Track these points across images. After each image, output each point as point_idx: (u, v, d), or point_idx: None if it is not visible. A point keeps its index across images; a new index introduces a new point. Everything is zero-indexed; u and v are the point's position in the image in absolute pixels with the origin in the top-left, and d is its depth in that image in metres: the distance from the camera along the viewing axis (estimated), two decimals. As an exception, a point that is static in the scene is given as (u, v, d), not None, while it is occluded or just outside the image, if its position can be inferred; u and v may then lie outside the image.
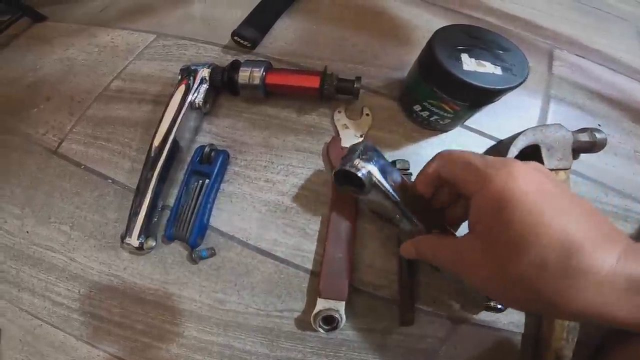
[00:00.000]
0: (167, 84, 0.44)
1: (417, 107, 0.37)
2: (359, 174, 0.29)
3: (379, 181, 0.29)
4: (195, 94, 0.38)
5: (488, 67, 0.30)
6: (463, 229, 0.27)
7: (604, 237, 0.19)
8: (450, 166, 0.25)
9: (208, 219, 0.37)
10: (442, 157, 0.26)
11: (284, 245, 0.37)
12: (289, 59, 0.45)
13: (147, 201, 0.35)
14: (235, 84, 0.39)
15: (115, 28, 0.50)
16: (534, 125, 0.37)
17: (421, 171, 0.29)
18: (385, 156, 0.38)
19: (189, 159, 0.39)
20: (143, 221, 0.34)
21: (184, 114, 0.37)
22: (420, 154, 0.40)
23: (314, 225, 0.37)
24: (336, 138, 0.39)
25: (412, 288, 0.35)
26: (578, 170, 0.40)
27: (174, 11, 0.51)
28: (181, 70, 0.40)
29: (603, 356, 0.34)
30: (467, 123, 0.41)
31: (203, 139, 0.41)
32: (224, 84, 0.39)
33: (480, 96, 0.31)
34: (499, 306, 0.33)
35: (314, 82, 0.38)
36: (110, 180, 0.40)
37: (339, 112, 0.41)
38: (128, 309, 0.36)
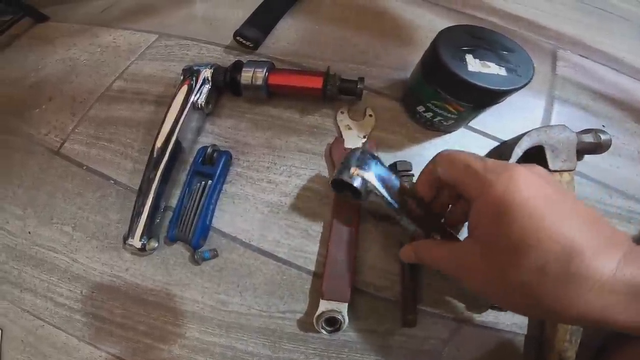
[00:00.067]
0: (169, 85, 0.44)
1: (421, 108, 0.37)
2: (355, 184, 0.30)
3: (376, 189, 0.30)
4: (198, 95, 0.38)
5: (493, 68, 0.30)
6: (465, 231, 0.27)
7: (604, 242, 0.19)
8: (450, 169, 0.25)
9: (210, 220, 0.37)
10: (442, 158, 0.26)
11: (286, 246, 0.37)
12: (291, 59, 0.45)
13: (150, 202, 0.35)
14: (237, 85, 0.39)
15: (117, 28, 0.50)
16: (537, 126, 0.37)
17: (421, 173, 0.29)
18: (388, 157, 0.39)
19: (191, 159, 0.39)
20: (145, 222, 0.34)
21: (186, 114, 0.37)
22: (423, 155, 0.40)
23: (316, 226, 0.37)
24: (339, 139, 0.39)
25: (414, 289, 0.35)
26: (582, 171, 0.40)
27: (176, 11, 0.51)
28: (183, 70, 0.40)
29: (604, 358, 0.34)
30: (470, 124, 0.41)
31: (205, 140, 0.41)
32: (226, 84, 0.39)
33: (484, 97, 0.31)
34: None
35: (316, 83, 0.38)
36: (112, 181, 0.40)
37: (342, 112, 0.40)
38: (130, 310, 0.36)
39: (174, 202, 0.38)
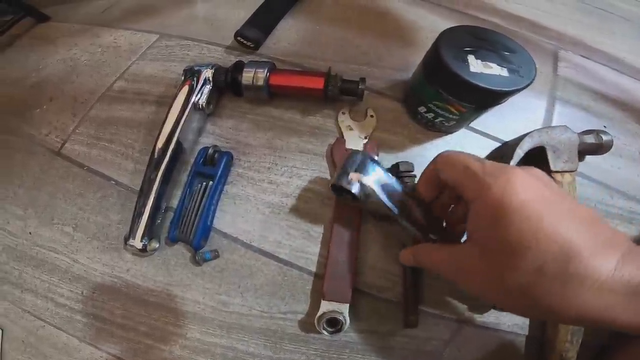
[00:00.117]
0: (170, 85, 0.44)
1: (422, 109, 0.37)
2: (353, 190, 0.30)
3: (375, 194, 0.30)
4: (199, 95, 0.38)
5: (495, 69, 0.30)
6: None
7: (603, 243, 0.19)
8: (450, 170, 0.25)
9: (211, 221, 0.37)
10: (442, 159, 0.26)
11: (287, 247, 0.37)
12: (293, 60, 0.45)
13: (151, 203, 0.35)
14: (238, 85, 0.39)
15: (118, 28, 0.50)
16: (539, 127, 0.37)
17: (422, 173, 0.29)
18: (389, 158, 0.39)
19: (192, 160, 0.39)
20: (146, 223, 0.34)
21: (187, 115, 0.37)
22: (424, 156, 0.40)
23: (317, 227, 0.37)
24: (340, 140, 0.39)
25: (416, 290, 0.35)
26: (583, 172, 0.40)
27: (177, 11, 0.51)
28: (184, 71, 0.40)
29: (608, 357, 0.34)
30: (472, 124, 0.41)
31: (206, 140, 0.41)
32: (227, 84, 0.39)
33: (486, 98, 0.31)
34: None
35: (318, 84, 0.38)
36: (113, 182, 0.40)
37: (343, 113, 0.40)
38: (131, 310, 0.36)
39: (175, 202, 0.38)
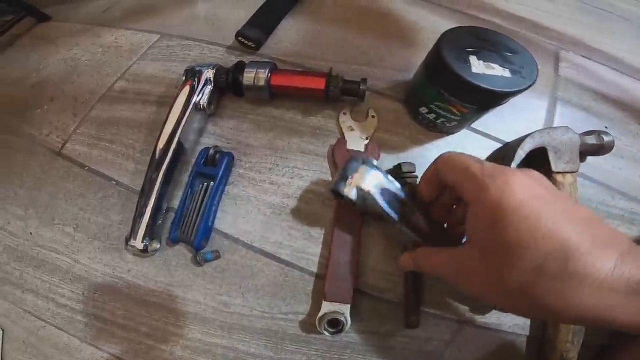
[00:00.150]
0: (171, 85, 0.44)
1: (424, 110, 0.37)
2: (351, 196, 0.30)
3: (374, 200, 0.30)
4: (200, 96, 0.38)
5: (497, 70, 0.30)
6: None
7: (602, 242, 0.19)
8: (450, 171, 0.25)
9: (213, 222, 0.37)
10: (443, 160, 0.26)
11: (289, 248, 0.37)
12: (294, 60, 0.45)
13: (152, 203, 0.35)
14: (240, 86, 0.39)
15: (119, 28, 0.50)
16: (540, 128, 0.37)
17: (424, 174, 0.29)
18: (391, 159, 0.39)
19: (193, 160, 0.39)
20: (148, 223, 0.34)
21: (188, 115, 0.37)
22: (426, 157, 0.40)
23: (319, 228, 0.37)
24: (342, 140, 0.39)
25: (417, 291, 0.35)
26: (584, 173, 0.40)
27: (178, 11, 0.51)
28: (186, 71, 0.40)
29: (610, 356, 0.34)
30: (473, 125, 0.41)
31: (207, 141, 0.41)
32: (228, 85, 0.39)
33: (489, 99, 0.31)
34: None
35: (319, 84, 0.38)
36: (114, 182, 0.40)
37: (345, 114, 0.40)
38: (132, 311, 0.36)
39: (176, 203, 0.38)
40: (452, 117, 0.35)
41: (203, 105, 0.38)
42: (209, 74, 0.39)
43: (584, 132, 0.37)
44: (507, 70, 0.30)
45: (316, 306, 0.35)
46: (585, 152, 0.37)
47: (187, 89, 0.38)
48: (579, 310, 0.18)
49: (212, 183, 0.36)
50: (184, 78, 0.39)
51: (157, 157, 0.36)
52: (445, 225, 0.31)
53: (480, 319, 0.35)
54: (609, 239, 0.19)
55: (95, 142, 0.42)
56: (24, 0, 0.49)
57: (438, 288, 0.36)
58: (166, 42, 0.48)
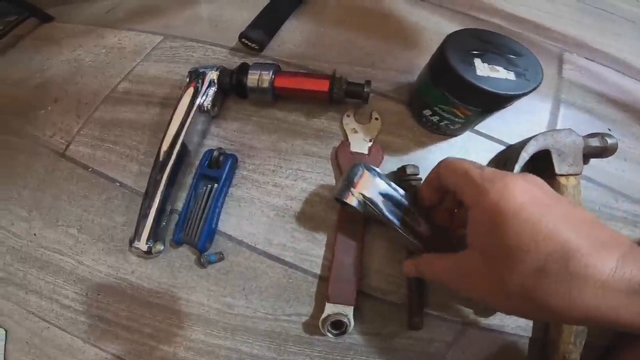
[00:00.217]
0: (174, 86, 0.43)
1: (427, 112, 0.37)
2: (354, 204, 0.31)
3: (376, 207, 0.31)
4: (204, 97, 0.38)
5: (501, 72, 0.30)
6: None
7: (602, 243, 0.19)
8: (450, 175, 0.26)
9: (216, 224, 0.37)
10: (444, 165, 0.27)
11: (292, 250, 0.37)
12: (297, 62, 0.45)
13: (156, 205, 0.35)
14: (243, 87, 0.39)
15: (122, 29, 0.50)
16: (544, 130, 0.37)
17: (426, 178, 0.30)
18: (394, 161, 0.39)
19: (196, 162, 0.39)
20: (152, 225, 0.34)
21: (192, 117, 0.37)
22: (429, 159, 0.40)
23: (322, 230, 0.37)
24: (345, 142, 0.39)
25: (420, 293, 0.35)
26: (587, 175, 0.40)
27: (181, 12, 0.51)
28: (189, 72, 0.40)
29: (613, 357, 0.34)
30: (476, 127, 0.41)
31: (211, 143, 0.41)
32: (232, 87, 0.39)
33: (493, 102, 0.31)
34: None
35: (323, 86, 0.38)
36: (118, 184, 0.40)
37: (348, 116, 0.40)
38: (135, 312, 0.36)
39: (180, 205, 0.38)
40: (456, 119, 0.35)
41: (207, 107, 0.38)
42: (212, 75, 0.39)
43: (587, 134, 0.37)
44: (512, 72, 0.30)
45: (319, 308, 0.35)
46: (589, 154, 0.37)
47: (190, 90, 0.38)
48: (581, 310, 0.19)
49: (215, 185, 0.36)
50: (187, 79, 0.39)
51: (161, 159, 0.36)
52: (448, 229, 0.31)
53: (482, 320, 0.35)
54: (609, 240, 0.19)
55: (98, 143, 0.42)
56: (27, 1, 0.49)
57: (441, 290, 0.36)
58: (169, 43, 0.47)
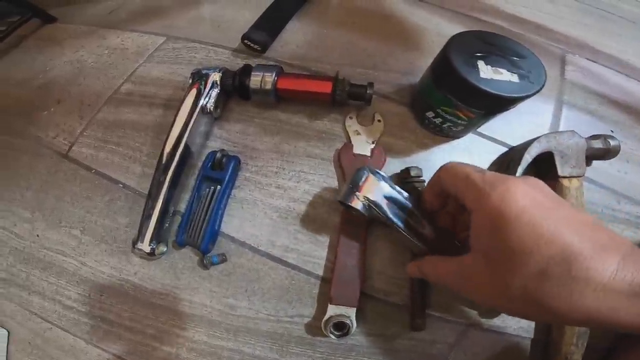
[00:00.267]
0: (177, 88, 0.44)
1: (430, 114, 0.37)
2: (359, 208, 0.31)
3: (381, 210, 0.31)
4: (207, 99, 0.38)
5: (505, 75, 0.30)
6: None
7: (603, 245, 0.19)
8: (452, 179, 0.26)
9: (219, 225, 0.37)
10: (445, 169, 0.27)
11: (295, 251, 0.37)
12: (299, 63, 0.45)
13: (159, 206, 0.35)
14: (246, 89, 0.39)
15: (125, 30, 0.50)
16: (546, 132, 0.37)
17: (428, 183, 0.30)
18: (396, 163, 0.39)
19: (199, 164, 0.39)
20: (155, 226, 0.34)
21: (195, 118, 0.37)
22: (431, 161, 0.40)
23: (325, 232, 0.37)
24: (348, 144, 0.39)
25: (423, 294, 0.35)
26: (589, 176, 0.40)
27: (184, 13, 0.51)
28: (192, 74, 0.40)
29: (615, 358, 0.34)
30: (479, 129, 0.41)
31: (214, 144, 0.41)
32: (235, 88, 0.39)
33: (496, 104, 0.31)
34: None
35: (326, 88, 0.38)
36: (121, 185, 0.40)
37: (351, 118, 0.40)
38: (138, 313, 0.36)
39: (182, 206, 0.38)
40: (459, 121, 0.35)
41: (209, 109, 0.38)
42: (215, 77, 0.39)
43: (590, 136, 0.37)
44: (515, 75, 0.30)
45: (322, 309, 0.35)
46: (591, 156, 0.37)
47: (193, 92, 0.38)
48: (582, 312, 0.19)
49: (218, 186, 0.36)
50: (190, 81, 0.39)
51: (164, 160, 0.36)
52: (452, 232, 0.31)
53: (485, 321, 0.35)
54: (610, 243, 0.19)
55: (101, 144, 0.42)
56: (29, 1, 0.49)
57: (443, 291, 0.36)
58: (172, 44, 0.48)
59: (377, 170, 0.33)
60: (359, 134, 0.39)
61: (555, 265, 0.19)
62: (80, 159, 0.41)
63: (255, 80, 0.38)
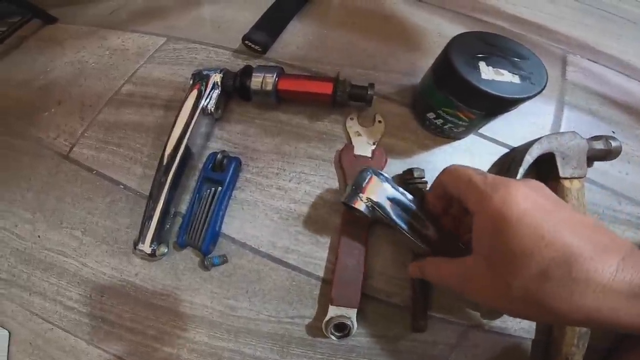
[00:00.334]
0: (178, 89, 0.44)
1: (431, 115, 0.37)
2: (363, 209, 0.31)
3: (384, 212, 0.31)
4: (208, 100, 0.38)
5: (506, 76, 0.30)
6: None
7: (603, 247, 0.19)
8: (454, 182, 0.26)
9: (220, 226, 0.37)
10: (447, 172, 0.27)
11: (295, 252, 0.37)
12: (300, 64, 0.45)
13: (160, 208, 0.35)
14: (247, 90, 0.39)
15: (125, 31, 0.50)
16: (547, 133, 0.37)
17: (431, 186, 0.30)
18: (398, 164, 0.39)
19: (200, 165, 0.39)
20: (155, 228, 0.34)
21: (196, 119, 0.37)
22: (432, 162, 0.40)
23: (326, 233, 0.37)
24: (348, 146, 0.39)
25: (425, 295, 0.35)
26: (591, 177, 0.40)
27: (184, 14, 0.51)
28: (193, 75, 0.40)
29: (615, 358, 0.34)
30: (480, 130, 0.41)
31: (215, 145, 0.41)
32: (235, 89, 0.39)
33: (498, 105, 0.31)
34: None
35: (326, 89, 0.38)
36: (122, 186, 0.40)
37: (351, 119, 0.40)
38: (139, 314, 0.36)
39: (183, 207, 0.38)
40: (460, 122, 0.35)
41: (210, 110, 0.38)
42: (216, 77, 0.39)
43: (591, 137, 0.37)
44: (517, 76, 0.30)
45: (322, 310, 0.35)
46: (593, 157, 0.37)
47: (194, 92, 0.38)
48: (583, 313, 0.19)
49: (219, 188, 0.36)
50: (191, 82, 0.39)
51: (165, 162, 0.36)
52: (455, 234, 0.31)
53: (485, 322, 0.35)
54: (610, 244, 0.20)
55: (102, 145, 0.42)
56: (29, 1, 0.49)
57: (444, 292, 0.36)
58: (172, 45, 0.48)
59: (380, 172, 0.33)
60: (359, 135, 0.39)
61: (556, 267, 0.19)
62: (81, 160, 0.41)
63: (256, 81, 0.38)
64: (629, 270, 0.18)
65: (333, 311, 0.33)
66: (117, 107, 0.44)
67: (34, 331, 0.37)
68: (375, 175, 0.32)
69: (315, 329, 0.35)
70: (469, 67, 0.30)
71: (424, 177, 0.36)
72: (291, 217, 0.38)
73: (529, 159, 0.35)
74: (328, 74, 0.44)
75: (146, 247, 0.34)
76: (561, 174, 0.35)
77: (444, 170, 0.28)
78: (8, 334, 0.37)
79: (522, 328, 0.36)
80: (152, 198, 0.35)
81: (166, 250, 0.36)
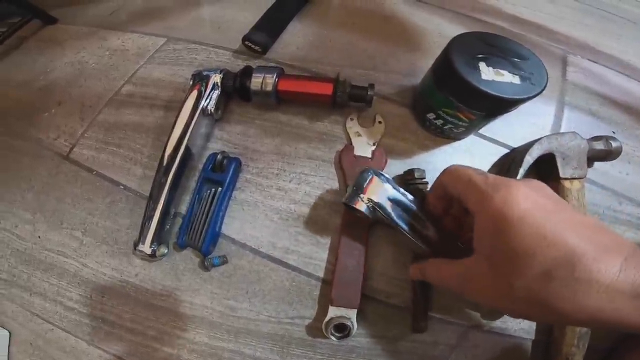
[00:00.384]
0: (178, 89, 0.44)
1: (431, 116, 0.37)
2: (364, 210, 0.31)
3: (386, 213, 0.31)
4: (208, 100, 0.38)
5: (506, 77, 0.30)
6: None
7: (605, 247, 0.19)
8: (454, 182, 0.26)
9: (220, 227, 0.37)
10: (447, 172, 0.27)
11: (295, 253, 0.37)
12: (300, 64, 0.45)
13: (160, 208, 0.35)
14: (247, 90, 0.39)
15: (125, 31, 0.50)
16: (547, 133, 0.37)
17: (431, 187, 0.30)
18: (398, 164, 0.39)
19: (200, 166, 0.39)
20: (156, 228, 0.34)
21: (196, 120, 0.37)
22: (432, 162, 0.40)
23: (326, 233, 0.37)
24: (349, 146, 0.39)
25: (425, 295, 0.35)
26: (591, 178, 0.40)
27: (184, 14, 0.51)
28: (193, 75, 0.39)
29: (616, 359, 0.34)
30: (480, 131, 0.41)
31: (214, 146, 0.41)
32: (235, 90, 0.39)
33: (498, 106, 0.31)
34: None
35: (326, 89, 0.38)
36: (122, 187, 0.40)
37: (352, 119, 0.40)
38: (139, 314, 0.36)
39: (183, 208, 0.38)
40: (460, 123, 0.35)
41: (210, 110, 0.38)
42: (216, 78, 0.39)
43: (592, 138, 0.37)
44: (517, 76, 0.30)
45: (322, 311, 0.35)
46: (593, 158, 0.37)
47: (194, 93, 0.38)
48: (586, 313, 0.19)
49: (219, 188, 0.36)
50: (191, 82, 0.39)
51: (165, 162, 0.36)
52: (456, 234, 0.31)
53: (485, 323, 0.35)
54: (612, 244, 0.20)
55: (102, 146, 0.42)
56: (29, 2, 0.49)
57: (445, 293, 0.36)
58: (172, 46, 0.47)
59: (381, 172, 0.33)
60: (359, 135, 0.39)
61: (558, 267, 0.19)
62: (81, 161, 0.41)
63: (256, 81, 0.38)
64: (631, 271, 0.18)
65: (333, 312, 0.33)
66: (117, 107, 0.44)
67: (35, 331, 0.37)
68: (376, 175, 0.32)
69: (315, 329, 0.35)
70: (469, 67, 0.30)
71: (424, 178, 0.36)
72: (291, 218, 0.38)
73: (529, 159, 0.35)
74: (328, 74, 0.44)
75: (146, 247, 0.34)
76: (561, 175, 0.35)
77: (444, 170, 0.28)
78: (8, 334, 0.37)
79: (522, 328, 0.36)
80: (152, 199, 0.35)
81: (166, 250, 0.36)
